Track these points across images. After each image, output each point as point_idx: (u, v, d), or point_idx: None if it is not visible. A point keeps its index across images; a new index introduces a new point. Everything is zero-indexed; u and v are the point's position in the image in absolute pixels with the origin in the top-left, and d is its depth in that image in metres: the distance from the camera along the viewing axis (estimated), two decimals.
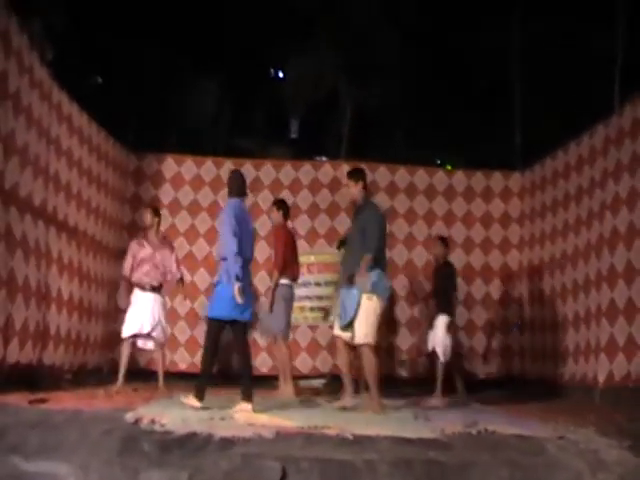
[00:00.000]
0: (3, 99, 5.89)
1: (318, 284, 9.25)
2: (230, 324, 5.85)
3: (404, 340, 9.33)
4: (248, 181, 8.75)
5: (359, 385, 7.58)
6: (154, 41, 14.24)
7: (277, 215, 7.73)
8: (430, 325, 7.83)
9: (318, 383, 8.70)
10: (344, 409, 6.12)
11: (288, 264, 7.46)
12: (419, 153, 14.88)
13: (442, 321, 7.62)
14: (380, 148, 15.78)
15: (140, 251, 7.37)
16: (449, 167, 13.12)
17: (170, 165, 9.47)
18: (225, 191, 6.41)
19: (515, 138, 13.53)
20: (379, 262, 6.18)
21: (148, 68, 14.49)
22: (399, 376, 9.20)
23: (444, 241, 8.17)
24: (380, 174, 9.67)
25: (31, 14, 9.06)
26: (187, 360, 9.01)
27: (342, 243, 7.78)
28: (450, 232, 9.47)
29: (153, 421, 4.53)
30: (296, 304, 8.00)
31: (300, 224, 9.44)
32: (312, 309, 9.21)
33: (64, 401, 5.65)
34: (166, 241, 7.69)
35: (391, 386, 7.36)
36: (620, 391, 6.68)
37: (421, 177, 9.78)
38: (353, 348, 6.39)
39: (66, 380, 7.16)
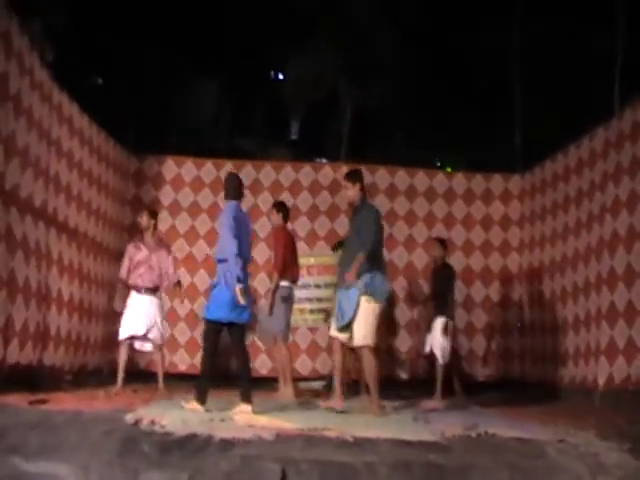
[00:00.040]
0: (4, 101, 5.90)
1: (318, 286, 9.23)
2: (227, 326, 5.83)
3: (403, 342, 9.32)
4: (248, 183, 8.85)
5: (359, 387, 7.61)
6: (154, 41, 14.22)
7: (277, 217, 7.72)
8: (429, 327, 7.83)
9: (318, 385, 8.70)
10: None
11: (288, 266, 7.46)
12: (419, 153, 14.90)
13: (439, 323, 7.61)
14: (380, 148, 15.80)
15: (137, 254, 7.35)
16: (449, 169, 13.10)
17: (170, 167, 9.48)
18: None
19: (515, 138, 13.50)
20: (377, 264, 6.15)
21: (148, 68, 14.47)
22: (398, 378, 9.19)
23: (442, 243, 8.15)
24: (380, 176, 9.67)
25: (31, 14, 9.05)
26: (187, 361, 9.00)
27: (339, 245, 7.77)
28: (450, 234, 9.46)
29: (153, 422, 4.54)
30: (296, 306, 8.01)
31: (300, 226, 9.43)
32: (312, 311, 9.21)
33: (64, 402, 5.65)
34: (163, 243, 7.67)
35: (390, 388, 7.34)
36: (620, 394, 6.67)
37: (421, 179, 9.77)
38: (351, 350, 6.38)
39: (66, 381, 7.16)
